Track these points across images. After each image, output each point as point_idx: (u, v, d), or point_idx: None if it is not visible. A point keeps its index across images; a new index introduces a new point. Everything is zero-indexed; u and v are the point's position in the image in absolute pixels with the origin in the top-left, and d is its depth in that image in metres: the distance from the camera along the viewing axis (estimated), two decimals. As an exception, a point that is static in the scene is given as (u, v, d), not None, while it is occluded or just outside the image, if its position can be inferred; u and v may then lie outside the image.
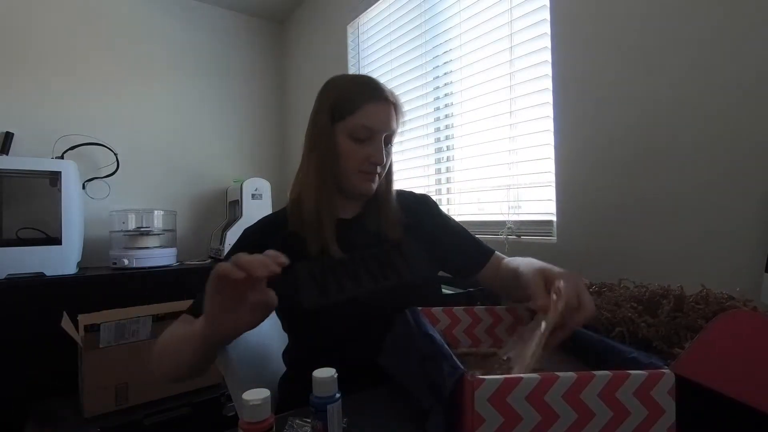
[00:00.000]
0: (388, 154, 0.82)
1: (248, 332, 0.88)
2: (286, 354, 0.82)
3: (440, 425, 0.42)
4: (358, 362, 0.62)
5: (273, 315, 0.83)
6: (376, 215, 0.84)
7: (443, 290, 1.11)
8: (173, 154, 2.34)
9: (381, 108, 0.76)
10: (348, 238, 0.79)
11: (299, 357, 0.79)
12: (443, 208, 0.99)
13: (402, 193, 0.91)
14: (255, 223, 0.84)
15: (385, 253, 0.80)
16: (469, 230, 0.92)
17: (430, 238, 0.85)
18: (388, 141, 0.80)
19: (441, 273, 0.90)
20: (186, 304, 0.75)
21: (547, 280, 0.59)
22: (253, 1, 2.49)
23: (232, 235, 2.10)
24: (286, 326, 0.80)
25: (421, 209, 0.90)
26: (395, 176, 0.88)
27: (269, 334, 0.95)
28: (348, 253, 0.77)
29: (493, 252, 0.87)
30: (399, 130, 0.82)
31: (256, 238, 0.79)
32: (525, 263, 0.69)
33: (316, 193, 0.77)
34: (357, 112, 0.75)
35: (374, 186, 0.81)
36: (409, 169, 1.77)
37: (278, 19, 2.72)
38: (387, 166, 0.83)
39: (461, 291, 1.20)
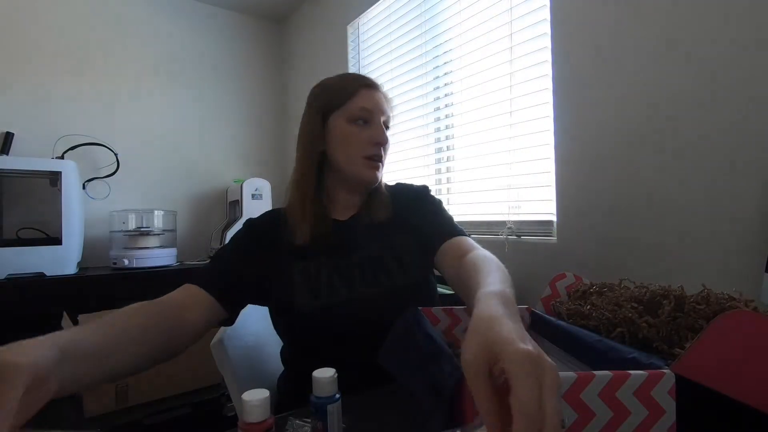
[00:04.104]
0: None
1: (247, 332, 0.89)
2: (283, 354, 0.83)
3: (440, 425, 0.42)
4: (348, 364, 0.60)
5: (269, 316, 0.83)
6: (369, 210, 0.83)
7: (442, 290, 1.09)
8: (173, 154, 2.34)
9: (374, 93, 0.80)
10: (341, 241, 0.79)
11: (294, 358, 0.79)
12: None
13: (400, 187, 0.90)
14: (259, 216, 0.86)
15: (379, 256, 0.78)
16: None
17: (418, 231, 0.82)
18: (385, 126, 0.82)
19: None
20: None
21: (490, 358, 0.34)
22: (253, 1, 2.49)
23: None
24: (281, 328, 0.80)
25: (412, 204, 0.86)
26: (396, 175, 0.88)
27: (268, 335, 0.95)
28: (341, 257, 0.77)
29: (452, 236, 0.76)
30: (391, 123, 0.85)
31: (257, 231, 0.82)
32: (482, 283, 0.50)
33: (307, 194, 0.80)
34: (354, 96, 0.78)
35: (379, 175, 0.81)
36: (409, 169, 1.77)
37: (278, 19, 2.72)
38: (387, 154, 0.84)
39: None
